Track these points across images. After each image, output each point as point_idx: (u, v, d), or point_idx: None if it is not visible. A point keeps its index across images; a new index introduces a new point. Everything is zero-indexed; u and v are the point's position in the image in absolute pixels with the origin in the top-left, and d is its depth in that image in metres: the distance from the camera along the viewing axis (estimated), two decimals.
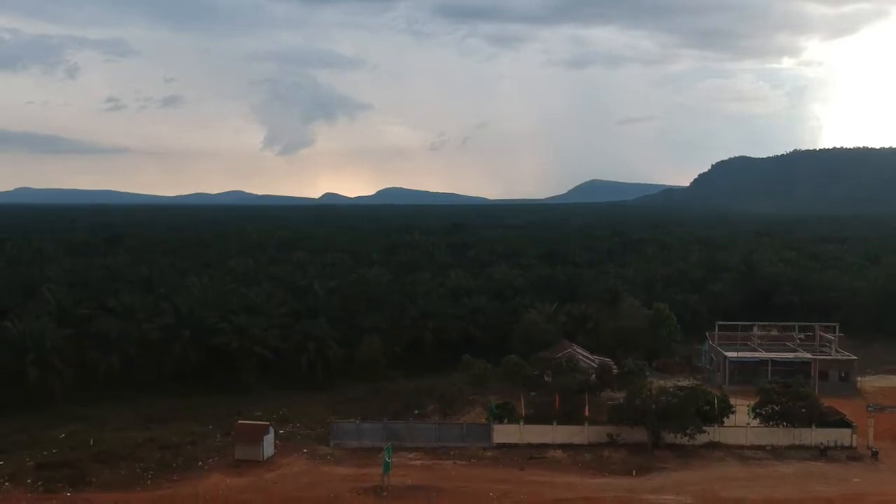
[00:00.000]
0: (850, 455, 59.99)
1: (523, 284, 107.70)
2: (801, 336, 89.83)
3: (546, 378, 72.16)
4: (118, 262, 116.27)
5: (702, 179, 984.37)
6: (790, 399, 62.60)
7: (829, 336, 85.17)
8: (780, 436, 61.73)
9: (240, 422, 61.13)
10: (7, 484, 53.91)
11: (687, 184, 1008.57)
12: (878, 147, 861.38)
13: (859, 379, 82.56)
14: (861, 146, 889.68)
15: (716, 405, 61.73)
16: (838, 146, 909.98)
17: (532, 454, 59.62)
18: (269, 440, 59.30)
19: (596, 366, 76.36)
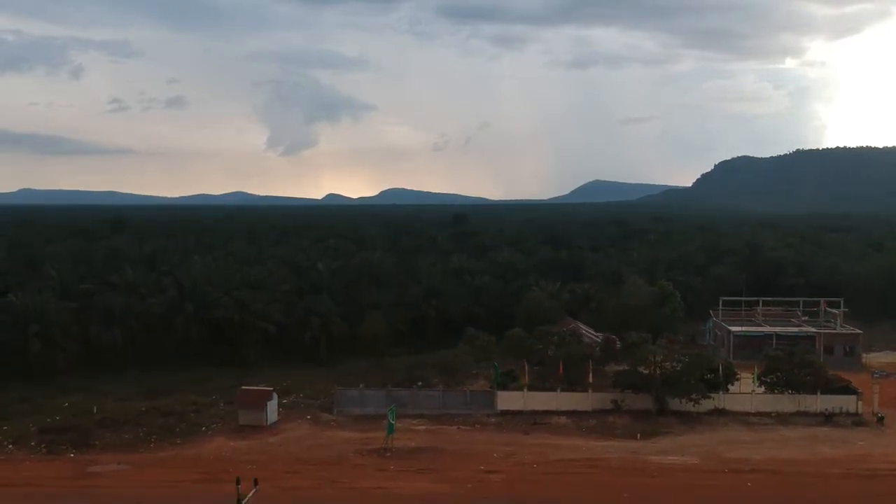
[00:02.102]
0: (856, 421, 59.74)
1: (526, 266, 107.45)
2: (806, 318, 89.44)
3: (549, 353, 71.90)
4: (121, 242, 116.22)
5: (704, 179, 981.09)
6: (795, 366, 62.38)
7: (834, 311, 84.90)
8: (786, 403, 61.57)
9: (243, 388, 61.11)
10: (10, 446, 53.93)
11: (689, 184, 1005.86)
12: (880, 146, 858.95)
13: (864, 355, 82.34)
14: (864, 145, 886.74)
15: (720, 372, 61.62)
16: (841, 146, 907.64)
17: (536, 420, 59.54)
18: (272, 406, 59.25)
19: (599, 341, 76.23)
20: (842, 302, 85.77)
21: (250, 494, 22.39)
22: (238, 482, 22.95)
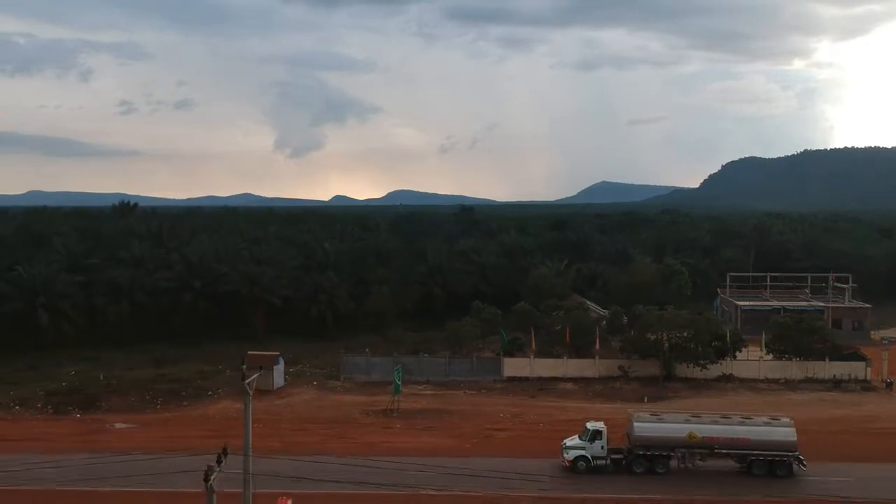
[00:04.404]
0: (864, 387, 59.59)
1: (533, 247, 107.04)
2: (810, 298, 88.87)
3: (556, 327, 71.55)
4: (129, 221, 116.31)
5: (711, 180, 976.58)
6: (803, 333, 62.05)
7: (843, 286, 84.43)
8: (794, 369, 61.35)
9: (250, 353, 60.91)
10: (17, 407, 54.05)
11: (696, 185, 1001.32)
12: (888, 146, 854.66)
13: (872, 332, 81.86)
14: (871, 146, 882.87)
15: (728, 338, 61.35)
16: (849, 146, 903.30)
17: (542, 386, 59.40)
18: (279, 370, 59.28)
19: (606, 316, 76.00)
20: (850, 277, 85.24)
21: (254, 376, 22.91)
22: (243, 363, 23.13)
